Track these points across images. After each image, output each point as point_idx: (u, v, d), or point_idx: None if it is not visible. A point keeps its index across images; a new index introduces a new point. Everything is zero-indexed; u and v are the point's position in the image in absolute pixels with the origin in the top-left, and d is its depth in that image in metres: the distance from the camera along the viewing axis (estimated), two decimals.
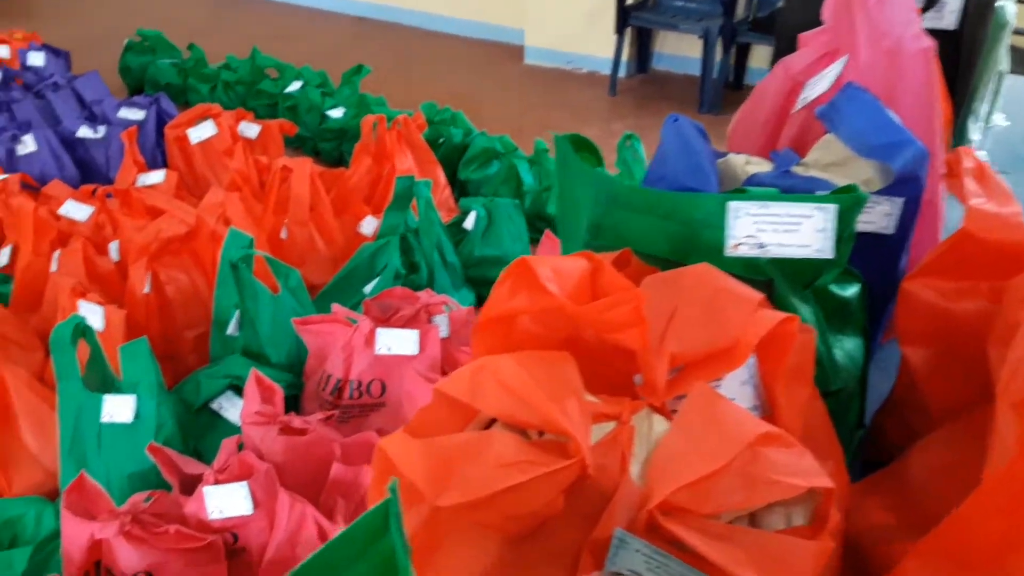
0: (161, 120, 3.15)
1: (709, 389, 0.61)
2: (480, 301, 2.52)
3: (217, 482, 1.39)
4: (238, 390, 1.84)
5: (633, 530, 0.56)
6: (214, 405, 1.83)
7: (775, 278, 0.77)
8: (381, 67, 4.25)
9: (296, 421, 1.54)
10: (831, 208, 0.77)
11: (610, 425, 0.62)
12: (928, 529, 0.61)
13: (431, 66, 4.94)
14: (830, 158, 1.00)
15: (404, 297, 1.94)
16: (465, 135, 3.24)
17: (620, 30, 4.31)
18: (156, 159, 3.11)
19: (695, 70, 4.46)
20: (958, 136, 1.49)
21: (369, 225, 2.56)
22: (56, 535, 1.49)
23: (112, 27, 5.16)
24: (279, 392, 1.58)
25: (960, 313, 0.83)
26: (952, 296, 0.84)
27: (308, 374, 1.88)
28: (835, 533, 0.60)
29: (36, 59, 3.70)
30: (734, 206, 0.75)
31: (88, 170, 3.06)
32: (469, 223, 2.57)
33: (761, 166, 1.01)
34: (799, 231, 0.76)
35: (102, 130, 3.04)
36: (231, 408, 1.82)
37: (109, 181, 2.95)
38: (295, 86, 3.68)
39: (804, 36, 1.16)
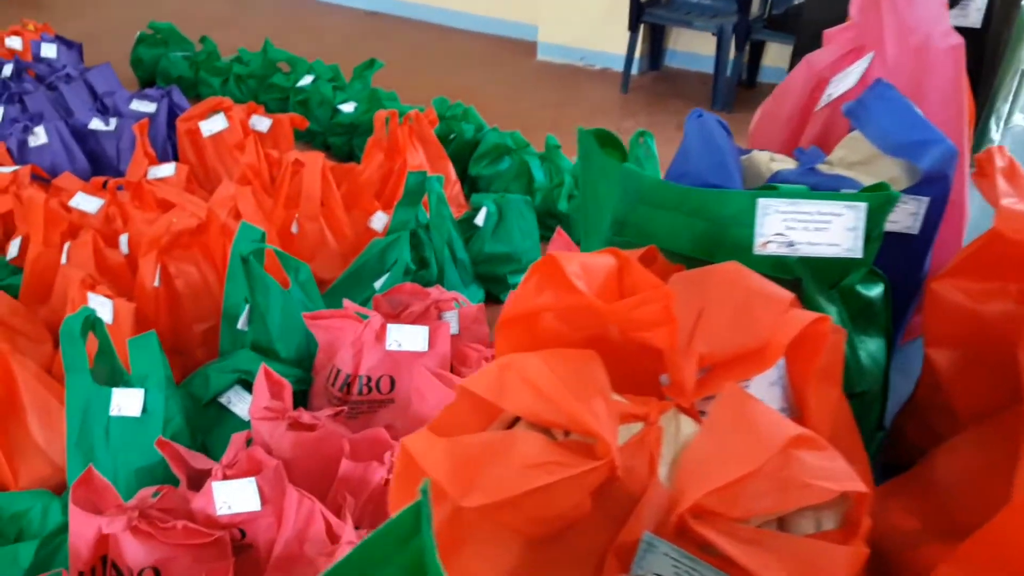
0: (173, 113, 3.14)
1: (740, 390, 0.60)
2: (489, 298, 2.50)
3: (225, 477, 1.38)
4: (247, 385, 1.83)
5: (661, 533, 0.55)
6: (223, 400, 1.82)
7: (803, 277, 0.76)
8: (393, 62, 4.23)
9: (305, 417, 1.53)
10: (862, 206, 0.75)
11: (637, 426, 0.60)
12: (956, 533, 0.60)
13: (443, 61, 4.93)
14: (855, 156, 0.98)
15: (414, 293, 1.93)
16: (476, 131, 3.22)
17: (634, 27, 4.29)
18: (167, 152, 3.10)
19: (708, 68, 4.43)
20: (980, 135, 1.47)
21: (380, 220, 2.55)
22: (62, 529, 1.48)
23: (125, 19, 5.16)
24: (288, 387, 1.57)
25: (988, 315, 0.81)
26: (980, 297, 0.82)
27: (317, 369, 1.87)
28: (867, 538, 0.58)
29: (48, 51, 3.70)
30: (764, 203, 0.74)
31: (99, 162, 3.05)
32: (480, 219, 2.55)
33: (785, 163, 0.99)
34: (829, 229, 0.74)
35: (113, 122, 3.03)
36: (240, 403, 1.81)
37: (120, 173, 2.94)
38: (307, 80, 3.66)
39: (829, 32, 1.15)
